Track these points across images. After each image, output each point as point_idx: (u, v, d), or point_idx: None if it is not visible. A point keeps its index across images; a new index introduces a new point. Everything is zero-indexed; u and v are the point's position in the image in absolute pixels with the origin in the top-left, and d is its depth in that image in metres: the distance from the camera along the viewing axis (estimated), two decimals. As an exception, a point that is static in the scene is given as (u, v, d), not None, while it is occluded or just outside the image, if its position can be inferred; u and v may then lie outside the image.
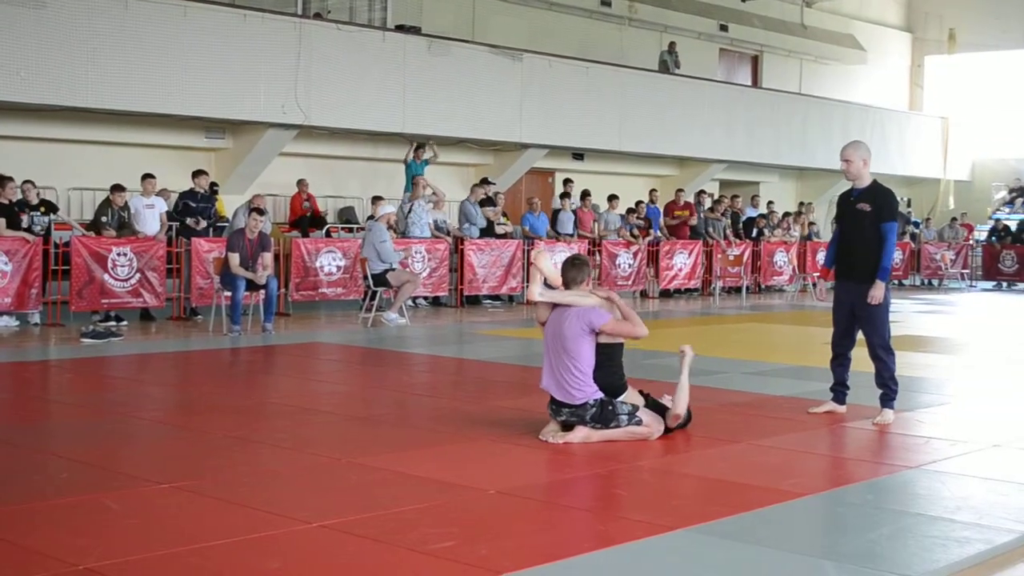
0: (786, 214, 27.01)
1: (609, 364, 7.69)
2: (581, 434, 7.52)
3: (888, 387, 8.63)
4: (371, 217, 18.62)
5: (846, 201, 8.80)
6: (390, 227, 16.67)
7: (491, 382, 10.74)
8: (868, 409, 8.77)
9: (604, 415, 7.54)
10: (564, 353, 7.59)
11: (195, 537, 5.21)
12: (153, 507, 5.83)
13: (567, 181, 22.52)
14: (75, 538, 5.20)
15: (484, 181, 21.18)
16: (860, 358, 8.95)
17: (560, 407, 7.61)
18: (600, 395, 7.56)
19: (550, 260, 7.98)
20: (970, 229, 30.96)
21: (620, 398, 7.66)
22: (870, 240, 8.54)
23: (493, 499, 6.07)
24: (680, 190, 24.52)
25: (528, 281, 7.76)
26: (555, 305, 7.75)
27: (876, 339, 8.62)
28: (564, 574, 4.82)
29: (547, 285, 7.80)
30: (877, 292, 8.46)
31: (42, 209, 15.38)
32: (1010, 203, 32.52)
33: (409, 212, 18.68)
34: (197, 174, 16.73)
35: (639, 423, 7.58)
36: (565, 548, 5.14)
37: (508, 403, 9.24)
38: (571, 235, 21.34)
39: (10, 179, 14.84)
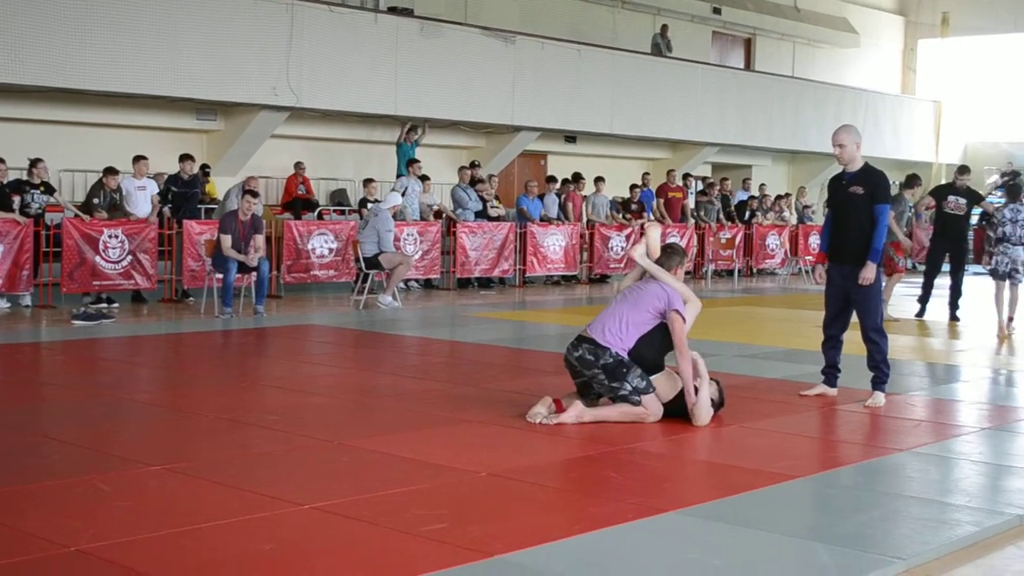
0: (778, 196, 27.02)
1: (659, 341, 7.74)
2: (574, 413, 7.52)
3: (880, 370, 8.65)
4: (366, 201, 18.62)
5: (838, 184, 8.80)
6: (394, 216, 16.73)
7: (484, 365, 10.74)
8: (860, 392, 8.79)
9: (615, 372, 7.52)
10: (631, 307, 7.69)
11: (187, 519, 5.21)
12: (145, 489, 5.83)
13: (566, 179, 22.40)
14: (67, 520, 5.20)
15: (473, 164, 21.16)
16: (853, 341, 8.97)
17: (581, 342, 7.60)
18: (624, 356, 7.59)
19: (658, 234, 8.22)
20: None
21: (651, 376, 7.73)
22: (863, 222, 8.54)
23: (485, 481, 6.08)
24: (671, 171, 24.50)
25: (631, 254, 8.04)
26: (643, 275, 7.99)
27: (868, 321, 8.64)
28: (555, 556, 4.83)
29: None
30: (868, 273, 8.47)
31: (42, 188, 15.40)
32: (1002, 187, 32.48)
33: (403, 195, 18.67)
34: (183, 159, 16.69)
35: (636, 403, 7.58)
36: (556, 530, 5.15)
37: (501, 386, 9.24)
38: (556, 219, 21.31)
39: (0, 161, 14.80)
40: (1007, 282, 13.68)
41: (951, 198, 15.13)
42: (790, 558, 4.94)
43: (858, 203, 8.57)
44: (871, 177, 8.62)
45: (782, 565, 4.86)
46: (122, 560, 4.64)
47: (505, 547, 4.86)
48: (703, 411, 7.62)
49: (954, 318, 15.04)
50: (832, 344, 8.91)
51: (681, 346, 7.66)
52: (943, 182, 15.15)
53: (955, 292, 15.21)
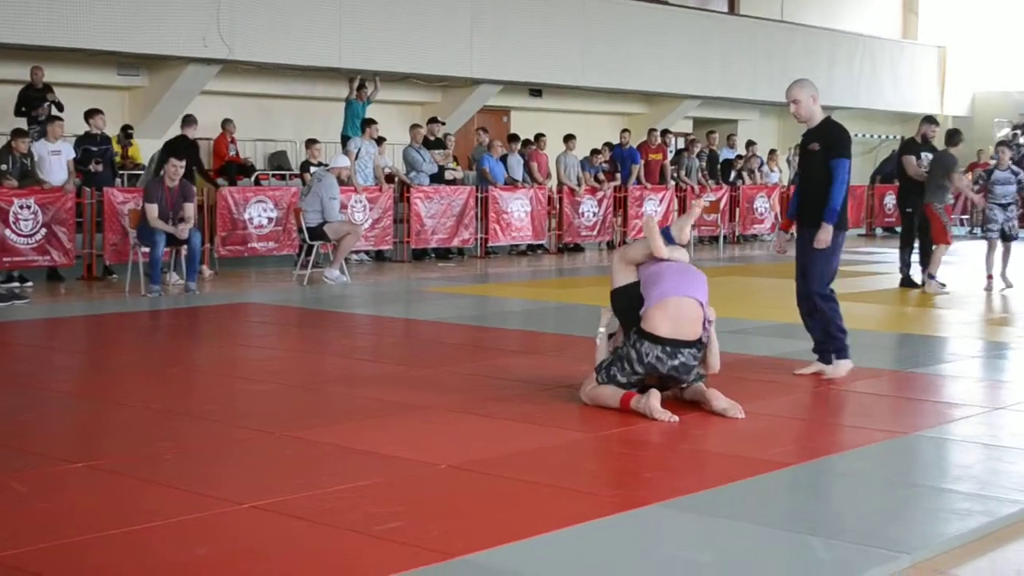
0: (772, 151, 27.17)
1: None
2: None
3: (834, 336, 8.80)
4: (308, 164, 18.51)
5: (802, 144, 8.95)
6: (341, 181, 16.66)
7: (442, 345, 10.75)
8: (861, 370, 8.84)
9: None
10: (701, 295, 7.61)
11: (113, 521, 5.19)
12: (66, 489, 5.80)
13: (516, 138, 22.33)
14: (-23, 525, 5.17)
15: (432, 120, 21.08)
16: (850, 314, 9.01)
17: (678, 347, 7.40)
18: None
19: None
20: None
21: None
22: (821, 181, 8.66)
23: (445, 474, 6.08)
24: (653, 130, 24.50)
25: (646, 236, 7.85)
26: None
27: (813, 286, 8.81)
28: (524, 556, 4.84)
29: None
30: (823, 235, 8.60)
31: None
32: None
33: (357, 157, 18.60)
34: (92, 114, 16.45)
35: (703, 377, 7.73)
36: (524, 528, 5.15)
37: (461, 368, 9.25)
38: (522, 181, 21.29)
39: None
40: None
41: (923, 155, 15.29)
42: (784, 554, 4.97)
43: (815, 161, 8.73)
44: (827, 131, 8.78)
45: (775, 561, 4.88)
46: (40, 569, 4.61)
47: (467, 547, 4.86)
48: None
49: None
50: (813, 316, 9.00)
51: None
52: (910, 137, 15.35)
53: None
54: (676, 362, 7.42)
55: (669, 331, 7.38)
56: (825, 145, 8.70)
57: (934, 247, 15.01)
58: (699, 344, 7.52)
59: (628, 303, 7.67)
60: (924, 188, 15.07)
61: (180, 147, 16.47)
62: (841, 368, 8.76)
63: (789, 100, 8.79)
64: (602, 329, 7.98)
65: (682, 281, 7.59)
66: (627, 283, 7.75)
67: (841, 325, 8.80)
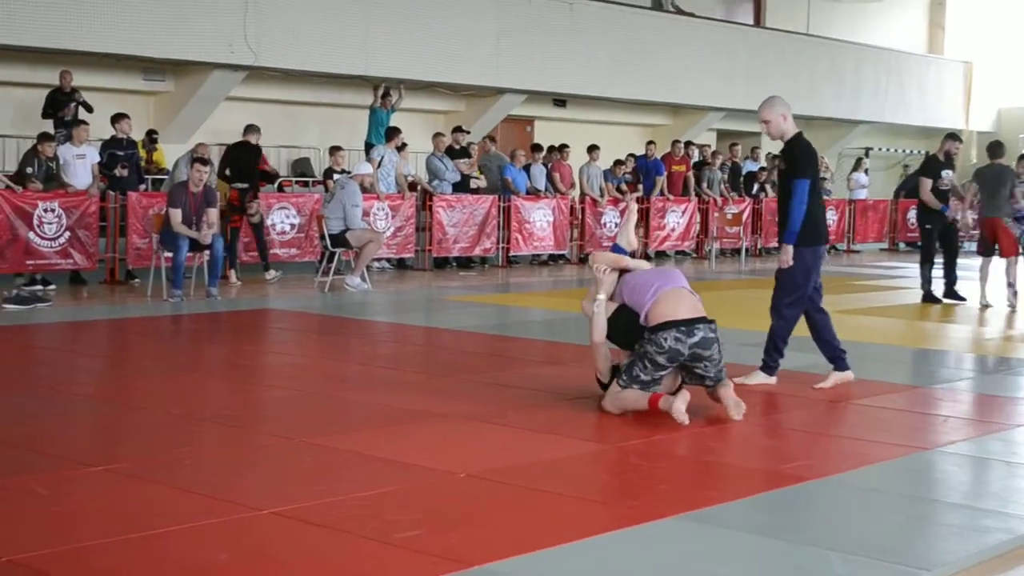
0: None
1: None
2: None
3: (768, 351, 8.96)
4: (332, 171, 18.56)
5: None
6: (363, 189, 16.67)
7: (463, 354, 10.75)
8: (880, 384, 8.85)
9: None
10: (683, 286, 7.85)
11: (131, 525, 5.19)
12: (85, 492, 5.81)
13: (540, 148, 22.43)
14: (-3, 526, 5.19)
15: (457, 129, 21.08)
16: (858, 326, 8.99)
17: (693, 323, 7.53)
18: None
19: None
20: None
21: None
22: (784, 199, 8.71)
23: (464, 483, 6.08)
24: (676, 141, 24.47)
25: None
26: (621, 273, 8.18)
27: (773, 298, 8.99)
28: (541, 566, 4.83)
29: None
30: (783, 256, 8.73)
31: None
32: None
33: (379, 165, 18.63)
34: (118, 118, 16.56)
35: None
36: (543, 538, 5.15)
37: (482, 377, 9.24)
38: (544, 191, 21.30)
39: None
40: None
41: (945, 173, 15.27)
42: (802, 569, 4.94)
43: (782, 179, 8.80)
44: (791, 150, 8.84)
45: (793, 576, 4.88)
46: (60, 571, 4.63)
47: (486, 556, 4.86)
48: None
49: (959, 298, 15.32)
50: (815, 326, 9.02)
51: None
52: (933, 153, 15.50)
53: (954, 271, 15.58)
54: (695, 338, 7.49)
55: (677, 314, 7.54)
56: (789, 163, 8.75)
57: (1009, 259, 15.03)
58: (711, 321, 7.62)
59: (627, 323, 7.81)
60: (990, 203, 15.10)
61: (243, 153, 16.94)
62: (755, 377, 8.95)
63: (760, 120, 8.88)
64: (601, 296, 8.02)
65: (667, 278, 7.88)
66: (615, 310, 7.92)
67: (779, 345, 8.94)
